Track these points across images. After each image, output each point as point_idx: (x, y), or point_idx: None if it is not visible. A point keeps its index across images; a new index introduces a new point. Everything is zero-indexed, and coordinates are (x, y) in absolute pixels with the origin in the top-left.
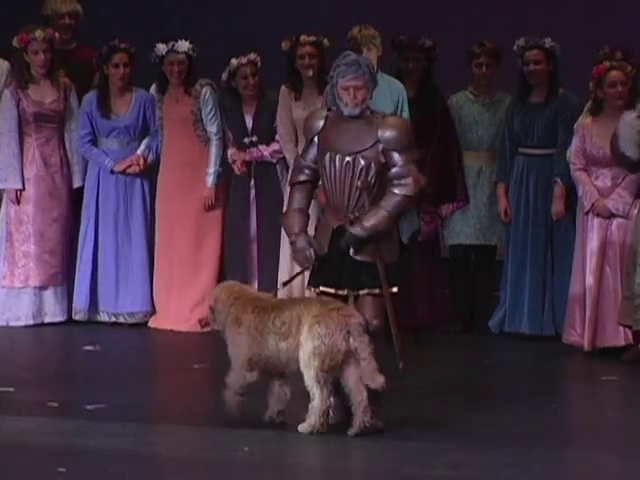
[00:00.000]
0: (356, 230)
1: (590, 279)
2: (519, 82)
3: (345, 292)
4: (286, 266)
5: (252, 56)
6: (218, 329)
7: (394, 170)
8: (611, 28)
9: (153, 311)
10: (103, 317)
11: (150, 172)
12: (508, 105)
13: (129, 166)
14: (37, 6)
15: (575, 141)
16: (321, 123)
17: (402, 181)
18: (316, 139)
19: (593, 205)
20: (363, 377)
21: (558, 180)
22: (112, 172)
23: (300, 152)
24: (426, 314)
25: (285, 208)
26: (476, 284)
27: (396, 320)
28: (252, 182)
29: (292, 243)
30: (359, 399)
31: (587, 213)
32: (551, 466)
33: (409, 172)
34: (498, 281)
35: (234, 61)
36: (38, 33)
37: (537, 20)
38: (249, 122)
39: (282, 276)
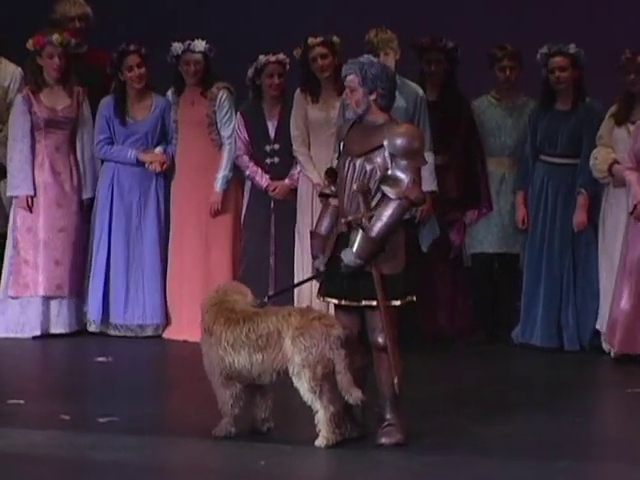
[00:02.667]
0: (348, 259)
1: (631, 284)
2: (543, 89)
3: (345, 302)
4: (300, 277)
5: (281, 56)
6: None
7: (393, 171)
8: (612, 29)
9: (166, 324)
10: (113, 331)
11: (166, 179)
12: (531, 112)
13: (152, 162)
14: (47, 10)
15: (629, 141)
16: (346, 128)
17: (396, 182)
18: (341, 145)
19: (635, 207)
20: (341, 391)
21: (582, 190)
22: (137, 163)
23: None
24: (447, 324)
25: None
26: (498, 293)
27: (391, 334)
28: None
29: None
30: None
31: (631, 214)
32: (575, 479)
33: (407, 177)
34: (520, 290)
35: (262, 57)
36: (55, 37)
37: (537, 23)
38: (272, 129)
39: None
